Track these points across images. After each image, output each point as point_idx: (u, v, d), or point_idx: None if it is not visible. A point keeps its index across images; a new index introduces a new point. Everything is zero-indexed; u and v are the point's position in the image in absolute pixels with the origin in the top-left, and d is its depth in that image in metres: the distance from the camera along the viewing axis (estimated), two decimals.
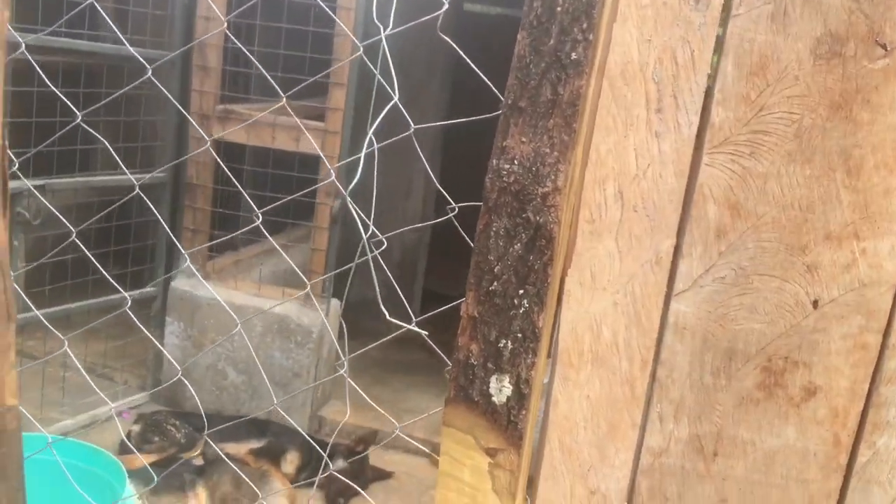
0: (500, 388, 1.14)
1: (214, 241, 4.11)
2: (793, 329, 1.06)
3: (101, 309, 4.14)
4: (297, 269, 2.73)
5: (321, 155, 3.61)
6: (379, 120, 1.26)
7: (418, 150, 1.46)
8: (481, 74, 1.25)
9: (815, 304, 1.05)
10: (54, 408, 3.98)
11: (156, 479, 2.17)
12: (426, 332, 1.43)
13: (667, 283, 1.09)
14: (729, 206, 1.04)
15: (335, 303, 4.23)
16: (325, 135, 3.80)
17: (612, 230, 1.08)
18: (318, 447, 3.81)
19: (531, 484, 1.21)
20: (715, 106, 1.02)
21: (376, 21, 1.36)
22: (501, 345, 1.12)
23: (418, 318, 1.46)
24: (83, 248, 1.96)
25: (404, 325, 1.47)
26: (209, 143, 3.53)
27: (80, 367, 2.15)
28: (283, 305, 4.11)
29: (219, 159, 2.16)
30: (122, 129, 4.05)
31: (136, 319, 2.06)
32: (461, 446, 1.17)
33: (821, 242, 1.03)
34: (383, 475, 4.03)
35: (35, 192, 3.33)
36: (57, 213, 2.27)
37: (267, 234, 2.05)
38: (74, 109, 1.97)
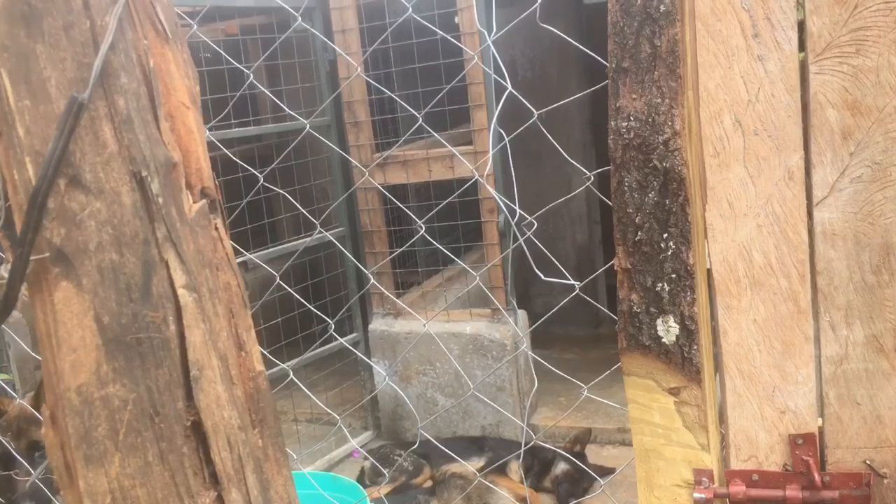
0: (668, 329, 1.21)
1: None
2: None
3: (312, 363, 4.53)
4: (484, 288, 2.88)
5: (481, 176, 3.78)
6: (500, 105, 1.38)
7: (549, 135, 1.57)
8: (595, 56, 1.34)
9: None
10: (291, 460, 4.38)
11: None
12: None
13: (805, 195, 1.12)
14: (847, 106, 1.07)
15: (522, 314, 4.36)
16: (476, 155, 3.98)
17: (738, 158, 1.14)
18: (537, 453, 3.92)
19: (720, 415, 1.26)
20: (809, 16, 1.06)
21: (479, 27, 1.49)
22: (659, 288, 1.19)
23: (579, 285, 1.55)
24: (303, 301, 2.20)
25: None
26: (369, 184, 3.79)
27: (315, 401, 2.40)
28: (472, 325, 4.30)
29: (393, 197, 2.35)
30: (299, 197, 4.45)
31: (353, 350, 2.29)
32: (644, 391, 1.25)
33: None
34: (606, 472, 4.07)
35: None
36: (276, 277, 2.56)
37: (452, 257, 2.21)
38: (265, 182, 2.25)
